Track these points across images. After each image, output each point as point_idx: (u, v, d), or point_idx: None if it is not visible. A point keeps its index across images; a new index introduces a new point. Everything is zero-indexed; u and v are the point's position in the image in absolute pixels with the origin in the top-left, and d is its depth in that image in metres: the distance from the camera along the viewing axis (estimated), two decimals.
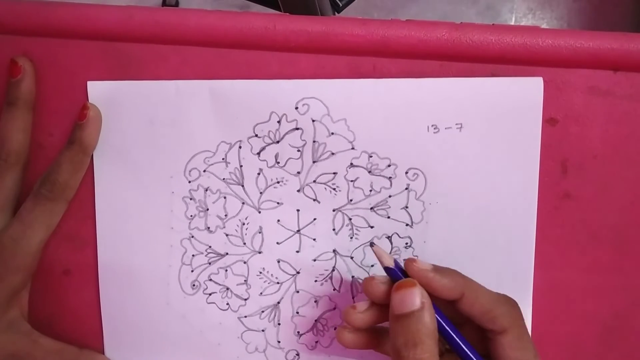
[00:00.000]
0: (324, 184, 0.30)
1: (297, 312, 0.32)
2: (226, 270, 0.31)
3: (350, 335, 0.27)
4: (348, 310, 0.26)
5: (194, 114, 0.30)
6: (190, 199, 0.31)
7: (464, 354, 0.25)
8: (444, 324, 0.25)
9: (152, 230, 0.31)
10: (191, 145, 0.30)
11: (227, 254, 0.31)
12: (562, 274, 0.31)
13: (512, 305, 0.26)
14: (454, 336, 0.25)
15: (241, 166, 0.30)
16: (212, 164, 0.30)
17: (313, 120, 0.29)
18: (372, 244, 0.26)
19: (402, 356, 0.22)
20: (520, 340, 0.25)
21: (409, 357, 0.22)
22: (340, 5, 0.65)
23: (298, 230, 0.31)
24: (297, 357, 0.32)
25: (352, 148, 0.30)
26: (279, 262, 0.31)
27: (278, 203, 0.31)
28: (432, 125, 0.29)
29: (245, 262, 0.31)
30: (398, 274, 0.25)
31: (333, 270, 0.31)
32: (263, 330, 0.32)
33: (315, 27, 0.29)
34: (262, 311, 0.32)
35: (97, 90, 0.30)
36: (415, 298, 0.23)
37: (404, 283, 0.24)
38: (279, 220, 0.31)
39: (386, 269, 0.26)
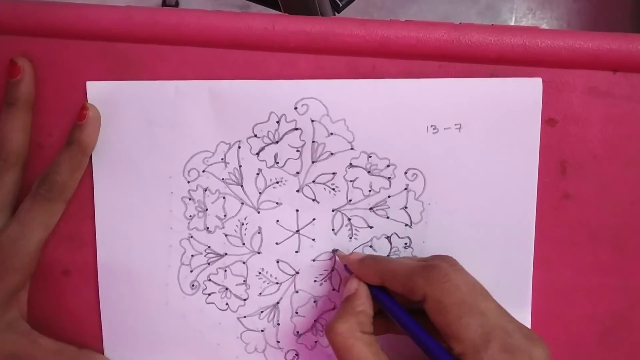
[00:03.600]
0: (323, 184, 0.30)
1: (297, 312, 0.32)
2: (225, 271, 0.31)
3: None
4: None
5: (193, 114, 0.30)
6: (190, 199, 0.31)
7: (406, 328, 0.25)
8: (389, 305, 0.26)
9: (151, 230, 0.31)
10: (190, 145, 0.30)
11: (226, 254, 0.31)
12: (561, 274, 0.31)
13: (429, 270, 0.25)
14: (396, 311, 0.26)
15: (240, 166, 0.30)
16: (211, 164, 0.30)
17: (312, 121, 0.30)
18: (334, 251, 0.31)
19: (326, 328, 0.26)
20: (439, 303, 0.24)
21: (329, 329, 0.26)
22: (340, 5, 0.65)
23: (297, 231, 0.31)
24: (296, 357, 0.32)
25: (352, 148, 0.30)
26: (278, 262, 0.31)
27: (277, 203, 0.31)
28: (432, 126, 0.29)
29: (244, 263, 0.31)
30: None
31: (332, 270, 0.31)
32: (262, 331, 0.32)
33: (314, 27, 0.29)
34: (262, 311, 0.32)
35: (97, 91, 0.30)
36: (351, 285, 0.27)
37: (350, 276, 0.28)
38: (278, 221, 0.31)
39: (345, 266, 0.29)
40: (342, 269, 0.31)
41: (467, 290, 0.24)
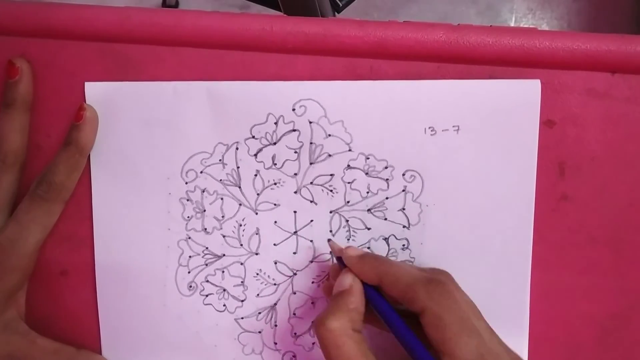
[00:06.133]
0: (321, 185, 0.30)
1: (294, 314, 0.32)
2: (223, 272, 0.31)
3: None
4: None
5: (191, 115, 0.30)
6: (187, 200, 0.31)
7: (396, 332, 0.25)
8: (382, 306, 0.26)
9: (149, 231, 0.31)
10: (188, 146, 0.30)
11: (224, 255, 0.31)
12: (559, 275, 0.31)
13: (431, 284, 0.25)
14: (389, 315, 0.26)
15: (238, 167, 0.30)
16: (209, 165, 0.30)
17: (310, 122, 0.29)
18: (329, 240, 0.30)
19: (316, 324, 0.25)
20: (438, 318, 0.23)
21: (319, 325, 0.25)
22: (340, 5, 0.65)
23: (295, 232, 0.31)
24: (293, 358, 0.32)
25: (349, 150, 0.30)
26: (275, 263, 0.31)
27: (275, 204, 0.31)
28: (430, 127, 0.29)
29: (242, 264, 0.31)
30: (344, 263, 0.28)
31: None
32: (260, 332, 0.32)
33: (312, 28, 0.29)
34: (259, 313, 0.32)
35: (95, 91, 0.30)
36: (345, 281, 0.27)
37: (345, 270, 0.27)
38: (275, 222, 0.31)
39: (337, 259, 0.29)
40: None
41: (465, 308, 0.24)
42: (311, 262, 0.31)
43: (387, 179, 0.30)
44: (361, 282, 0.27)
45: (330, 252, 0.31)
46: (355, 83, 0.29)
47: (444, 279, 0.25)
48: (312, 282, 0.31)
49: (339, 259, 0.28)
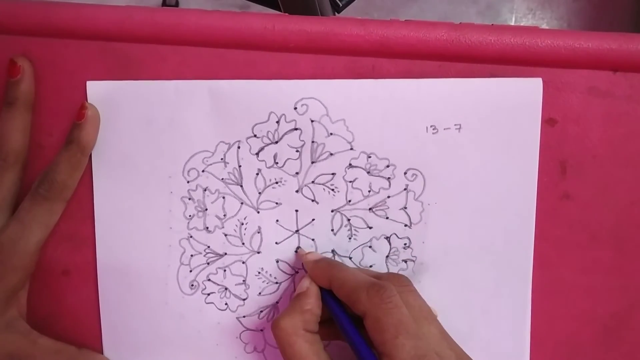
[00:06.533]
0: (323, 184, 0.30)
1: None
2: (225, 270, 0.31)
3: None
4: None
5: (192, 114, 0.30)
6: (189, 199, 0.31)
7: (344, 333, 0.26)
8: (333, 308, 0.27)
9: (150, 230, 0.31)
10: (190, 145, 0.30)
11: (225, 254, 0.31)
12: (561, 274, 0.31)
13: (374, 288, 0.25)
14: (340, 317, 0.26)
15: (240, 166, 0.30)
16: (210, 164, 0.30)
17: (312, 121, 0.29)
18: (297, 250, 0.31)
19: (274, 321, 0.26)
20: (377, 321, 0.24)
21: (274, 324, 0.26)
22: (340, 5, 0.65)
23: (297, 231, 0.31)
24: None
25: (351, 148, 0.30)
26: (277, 262, 0.31)
27: (277, 203, 0.31)
28: (431, 126, 0.29)
29: (244, 262, 0.31)
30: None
31: None
32: (262, 330, 0.32)
33: (314, 27, 0.29)
34: (261, 311, 0.32)
35: (96, 90, 0.30)
36: (304, 284, 0.28)
37: (305, 274, 0.29)
38: (277, 221, 0.31)
39: (302, 265, 0.30)
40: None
41: (408, 312, 0.25)
42: None
43: (388, 178, 0.30)
44: (318, 286, 0.28)
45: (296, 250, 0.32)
46: (357, 82, 0.29)
47: (389, 283, 0.26)
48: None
49: (303, 265, 0.30)
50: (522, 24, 1.07)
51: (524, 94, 0.29)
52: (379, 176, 0.30)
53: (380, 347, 0.24)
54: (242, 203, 0.31)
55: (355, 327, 0.26)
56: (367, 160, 0.30)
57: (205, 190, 0.31)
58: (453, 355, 0.25)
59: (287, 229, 0.31)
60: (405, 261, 0.31)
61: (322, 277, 0.28)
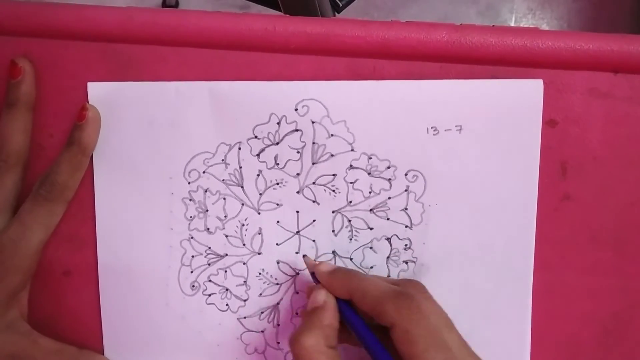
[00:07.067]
0: (324, 185, 0.30)
1: (297, 313, 0.32)
2: (225, 271, 0.31)
3: None
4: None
5: (193, 115, 0.30)
6: (190, 200, 0.31)
7: (367, 347, 0.25)
8: (354, 321, 0.26)
9: (151, 231, 0.31)
10: (191, 146, 0.30)
11: (226, 255, 0.31)
12: (561, 275, 0.31)
13: (401, 298, 0.25)
14: (363, 334, 0.25)
15: (241, 167, 0.30)
16: (211, 165, 0.30)
17: (313, 122, 0.30)
18: (304, 256, 0.30)
19: (291, 341, 0.25)
20: (407, 333, 0.24)
21: (295, 343, 0.25)
22: (341, 5, 0.65)
23: (297, 232, 0.31)
24: None
25: (352, 150, 0.30)
26: (278, 263, 0.31)
27: (277, 204, 0.31)
28: (432, 127, 0.29)
29: (244, 263, 0.31)
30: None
31: None
32: (262, 331, 0.32)
33: (314, 28, 0.29)
34: (262, 312, 0.32)
35: (97, 92, 0.30)
36: (319, 297, 0.27)
37: (318, 286, 0.28)
38: (278, 222, 0.31)
39: (312, 274, 0.29)
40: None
41: (435, 321, 0.24)
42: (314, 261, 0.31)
43: (389, 179, 0.30)
44: (334, 298, 0.27)
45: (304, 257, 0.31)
46: (357, 83, 0.29)
47: (413, 292, 0.25)
48: (315, 282, 0.31)
49: (313, 275, 0.29)
50: (522, 24, 1.07)
51: (525, 95, 0.29)
52: (379, 177, 0.30)
53: (410, 359, 0.23)
54: (242, 204, 0.31)
55: (378, 340, 0.25)
56: (368, 162, 0.30)
57: (206, 191, 0.31)
58: None
59: (287, 230, 0.31)
60: (406, 262, 0.31)
61: (341, 289, 0.27)
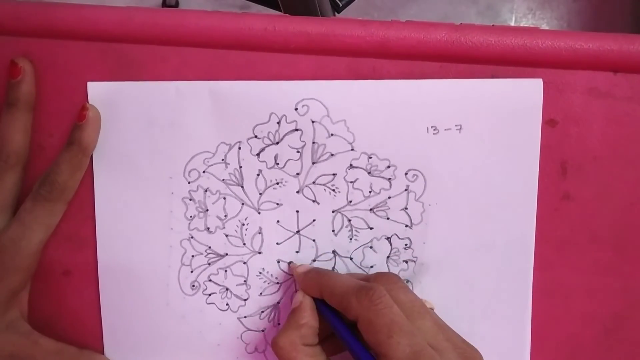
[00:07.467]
0: (324, 185, 0.30)
1: None
2: (226, 271, 0.32)
3: None
4: None
5: (193, 115, 0.30)
6: (190, 199, 0.31)
7: (342, 340, 0.26)
8: (329, 317, 0.27)
9: (151, 230, 0.31)
10: (191, 146, 0.30)
11: (226, 254, 0.31)
12: (561, 275, 0.31)
13: (363, 291, 0.25)
14: (339, 329, 0.26)
15: (241, 167, 0.30)
16: (211, 165, 0.31)
17: (312, 122, 0.30)
18: (289, 263, 0.31)
19: (272, 340, 0.27)
20: (370, 324, 0.24)
21: (273, 342, 0.26)
22: (340, 5, 0.65)
23: (297, 231, 0.31)
24: None
25: (352, 149, 0.30)
26: (278, 262, 0.31)
27: (277, 204, 0.31)
28: (432, 127, 0.29)
29: (244, 263, 0.31)
30: None
31: (332, 271, 0.31)
32: (263, 331, 0.32)
33: (314, 28, 0.29)
34: (262, 311, 0.32)
35: (97, 91, 0.30)
36: (296, 298, 0.28)
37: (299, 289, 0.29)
38: (278, 221, 0.31)
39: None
40: (342, 269, 0.31)
41: (400, 310, 0.25)
42: (314, 261, 0.31)
43: (389, 179, 0.30)
44: (312, 298, 0.28)
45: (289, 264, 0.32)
46: (357, 82, 0.29)
47: (376, 284, 0.26)
48: None
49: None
50: (522, 24, 1.07)
51: (525, 95, 0.29)
52: (379, 177, 0.30)
53: (377, 348, 0.24)
54: (243, 204, 0.31)
55: (351, 333, 0.26)
56: (368, 161, 0.30)
57: (206, 191, 0.31)
58: (449, 346, 0.25)
59: (287, 230, 0.31)
60: (406, 262, 0.31)
61: (313, 288, 0.28)
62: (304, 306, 0.27)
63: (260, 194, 0.31)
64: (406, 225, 0.31)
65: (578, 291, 0.31)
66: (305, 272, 0.29)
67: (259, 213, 0.31)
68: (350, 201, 0.31)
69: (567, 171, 0.30)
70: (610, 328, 0.31)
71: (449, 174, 0.30)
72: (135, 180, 0.31)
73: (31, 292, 0.31)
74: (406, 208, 0.30)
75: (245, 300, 0.32)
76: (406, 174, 0.30)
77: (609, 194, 0.30)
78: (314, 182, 0.30)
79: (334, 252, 0.31)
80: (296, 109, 0.29)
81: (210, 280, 0.32)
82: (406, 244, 0.31)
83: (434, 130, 0.29)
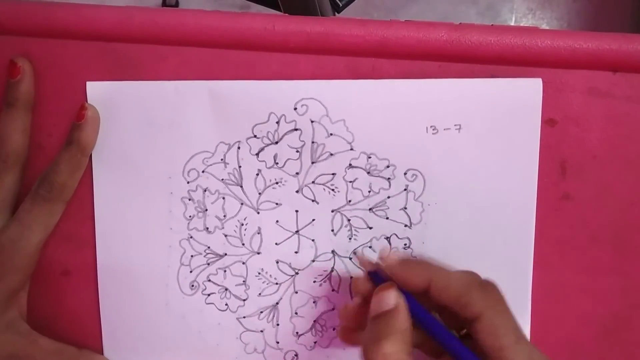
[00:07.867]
0: (323, 184, 0.30)
1: (296, 313, 0.32)
2: (225, 271, 0.31)
3: (349, 333, 0.28)
4: (342, 307, 0.27)
5: (192, 114, 0.30)
6: (189, 199, 0.31)
7: (447, 347, 0.24)
8: (426, 319, 0.25)
9: (150, 230, 0.31)
10: (190, 145, 0.30)
11: (225, 254, 0.31)
12: (561, 274, 0.31)
13: (487, 289, 0.24)
14: (436, 329, 0.24)
15: (240, 167, 0.30)
16: (210, 165, 0.30)
17: (312, 121, 0.29)
18: (354, 253, 0.29)
19: (368, 350, 0.23)
20: (495, 325, 0.23)
21: (373, 351, 0.22)
22: (340, 5, 0.65)
23: (297, 231, 0.31)
24: (295, 357, 0.32)
25: (351, 149, 0.30)
26: (277, 262, 0.31)
27: (277, 204, 0.31)
28: (431, 126, 0.29)
29: (244, 263, 0.31)
30: (379, 278, 0.26)
31: (332, 270, 0.31)
32: (262, 331, 0.32)
33: (314, 27, 0.29)
34: (261, 312, 0.32)
35: (96, 91, 0.30)
36: (390, 299, 0.24)
37: (383, 286, 0.25)
38: (277, 221, 0.31)
39: (368, 273, 0.27)
40: (342, 269, 0.31)
41: (514, 315, 0.23)
42: (313, 261, 0.31)
43: (388, 178, 0.30)
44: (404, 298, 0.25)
45: (352, 255, 0.30)
46: (357, 82, 0.29)
47: (494, 282, 0.24)
48: (314, 282, 0.31)
49: (370, 273, 0.27)
50: (522, 24, 1.07)
51: (524, 95, 0.29)
52: (379, 176, 0.30)
53: (497, 352, 0.22)
54: (242, 203, 0.31)
55: (453, 334, 0.24)
56: (367, 161, 0.30)
57: (205, 190, 0.31)
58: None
59: (287, 230, 0.31)
60: None
61: (417, 280, 0.24)
62: (401, 308, 0.24)
63: (259, 193, 0.31)
64: (405, 225, 0.31)
65: (577, 291, 0.31)
66: (403, 262, 0.25)
67: (258, 213, 0.31)
68: (350, 201, 0.31)
69: (567, 171, 0.30)
70: (610, 328, 0.31)
71: (449, 174, 0.30)
72: (134, 180, 0.31)
73: (30, 292, 0.31)
74: (405, 208, 0.30)
75: (244, 300, 0.32)
76: (405, 173, 0.30)
77: (609, 194, 0.30)
78: (313, 182, 0.30)
79: (333, 252, 0.31)
80: (295, 109, 0.29)
81: (209, 280, 0.32)
82: (405, 244, 0.31)
83: (433, 130, 0.29)
